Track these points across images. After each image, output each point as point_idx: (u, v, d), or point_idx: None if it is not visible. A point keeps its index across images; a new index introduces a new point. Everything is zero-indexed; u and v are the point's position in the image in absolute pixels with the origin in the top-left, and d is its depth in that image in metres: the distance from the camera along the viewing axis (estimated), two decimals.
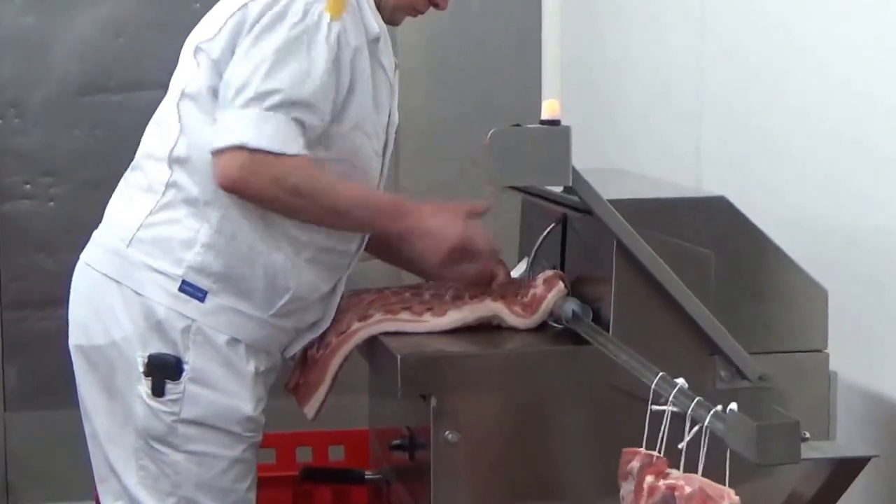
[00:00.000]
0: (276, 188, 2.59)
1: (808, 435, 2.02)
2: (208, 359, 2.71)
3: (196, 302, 2.70)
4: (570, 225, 2.77)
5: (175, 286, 2.69)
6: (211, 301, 2.70)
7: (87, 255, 2.83)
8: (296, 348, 2.85)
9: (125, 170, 2.88)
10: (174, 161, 2.72)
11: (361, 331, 2.73)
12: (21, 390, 4.30)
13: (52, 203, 4.31)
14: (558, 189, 2.66)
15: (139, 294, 2.71)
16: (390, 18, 2.83)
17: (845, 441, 2.59)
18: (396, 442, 2.75)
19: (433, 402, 2.54)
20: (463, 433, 2.54)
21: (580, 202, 2.47)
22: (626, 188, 2.93)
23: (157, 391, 2.69)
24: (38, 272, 4.24)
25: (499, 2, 4.46)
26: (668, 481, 2.00)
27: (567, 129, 2.34)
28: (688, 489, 1.96)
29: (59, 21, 4.29)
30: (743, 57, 3.26)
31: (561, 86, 4.33)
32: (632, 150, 3.86)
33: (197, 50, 2.72)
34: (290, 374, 2.89)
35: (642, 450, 2.11)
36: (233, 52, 2.66)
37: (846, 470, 2.27)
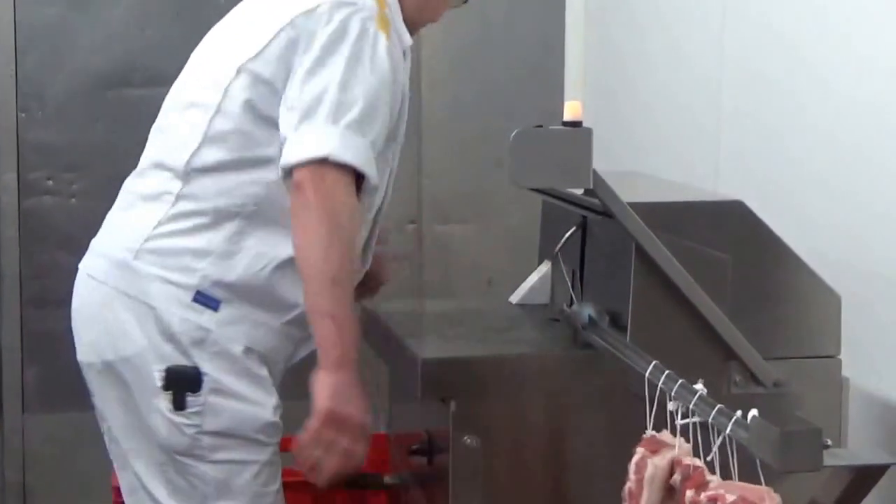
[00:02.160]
0: (336, 211, 2.56)
1: (829, 442, 2.05)
2: (226, 369, 2.70)
3: (210, 312, 2.70)
4: (590, 228, 2.82)
5: (189, 297, 2.69)
6: (225, 310, 2.71)
7: (89, 267, 2.82)
8: (299, 356, 2.84)
9: None
10: (191, 171, 2.72)
11: None
12: (40, 392, 4.32)
13: (74, 199, 4.33)
14: (578, 191, 2.71)
15: (152, 307, 2.70)
16: (411, 28, 2.83)
17: (858, 447, 2.62)
18: (415, 446, 2.80)
19: (453, 406, 2.60)
20: (482, 438, 2.59)
21: (600, 205, 2.52)
22: (644, 191, 2.98)
23: (179, 405, 2.68)
24: (60, 270, 4.11)
25: (523, 11, 4.48)
26: (709, 493, 2.04)
27: (588, 131, 2.38)
28: (729, 497, 2.00)
29: (83, 13, 4.30)
30: (761, 64, 3.28)
31: (583, 92, 4.31)
32: (651, 156, 3.88)
33: (240, 71, 2.69)
34: None
35: (651, 434, 2.18)
36: (288, 70, 2.66)
37: (865, 477, 2.31)
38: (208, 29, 4.02)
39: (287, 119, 2.63)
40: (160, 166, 2.78)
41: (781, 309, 2.65)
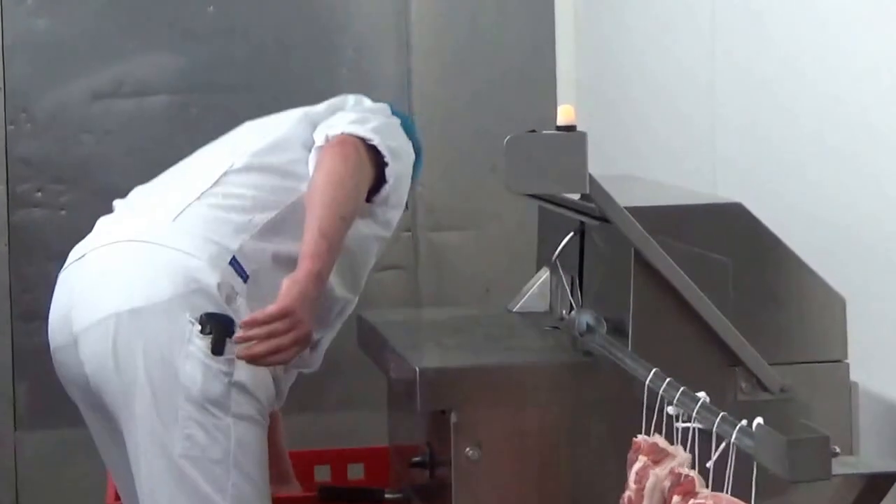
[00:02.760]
0: (353, 166, 2.85)
1: (838, 450, 2.04)
2: None
3: (240, 280, 2.84)
4: (588, 233, 2.82)
5: (226, 259, 2.83)
6: (249, 286, 2.85)
7: (114, 236, 2.91)
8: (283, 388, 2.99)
9: (139, 176, 2.96)
10: (241, 166, 2.94)
11: None
12: (32, 408, 4.29)
13: (63, 211, 4.30)
14: (575, 196, 2.71)
15: (193, 257, 2.81)
16: None
17: (869, 454, 2.60)
18: (416, 459, 2.78)
19: (453, 417, 2.59)
20: (484, 449, 2.58)
21: (597, 210, 2.51)
22: (641, 195, 2.97)
23: (218, 349, 2.77)
24: (50, 283, 4.13)
25: (513, 15, 4.45)
26: (698, 501, 2.02)
27: (583, 135, 2.38)
28: None
29: (70, 24, 4.28)
30: (755, 64, 3.27)
31: (576, 96, 4.33)
32: (647, 160, 3.88)
33: (304, 115, 3.03)
34: None
35: (647, 439, 2.17)
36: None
37: (876, 486, 2.29)
38: (196, 39, 4.02)
39: (332, 121, 2.97)
40: (199, 177, 2.96)
41: (785, 313, 2.63)
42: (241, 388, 2.80)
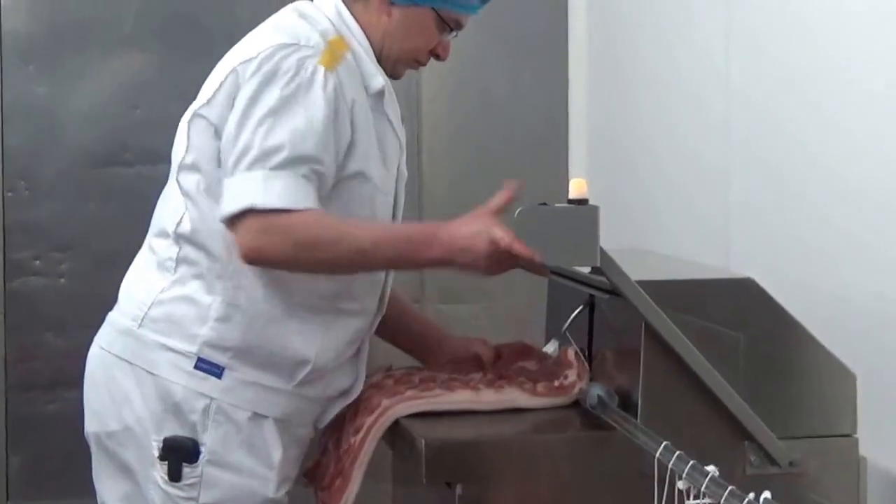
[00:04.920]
0: (291, 246, 2.63)
1: None
2: (228, 439, 2.75)
3: (214, 379, 2.75)
4: (598, 306, 2.84)
5: (190, 364, 2.74)
6: (229, 377, 2.75)
7: (100, 338, 2.89)
8: (329, 417, 2.87)
9: (140, 244, 2.97)
10: (180, 236, 2.77)
11: (393, 407, 2.77)
12: (26, 480, 4.28)
13: (62, 279, 4.33)
14: (585, 269, 2.74)
15: (154, 374, 2.76)
16: (392, 72, 2.87)
17: None
18: None
19: (459, 490, 2.60)
20: None
21: (608, 283, 2.55)
22: (652, 268, 3.00)
23: (174, 476, 2.73)
24: (47, 352, 4.21)
25: (525, 80, 4.50)
26: None
27: (595, 209, 2.42)
28: None
29: (72, 90, 4.33)
30: (771, 122, 3.31)
31: (588, 161, 4.37)
32: (661, 223, 3.91)
33: (194, 117, 2.77)
34: (314, 464, 2.91)
35: None
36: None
37: None
38: None
39: (223, 167, 2.70)
40: (161, 234, 2.84)
41: (795, 387, 2.66)
42: None
